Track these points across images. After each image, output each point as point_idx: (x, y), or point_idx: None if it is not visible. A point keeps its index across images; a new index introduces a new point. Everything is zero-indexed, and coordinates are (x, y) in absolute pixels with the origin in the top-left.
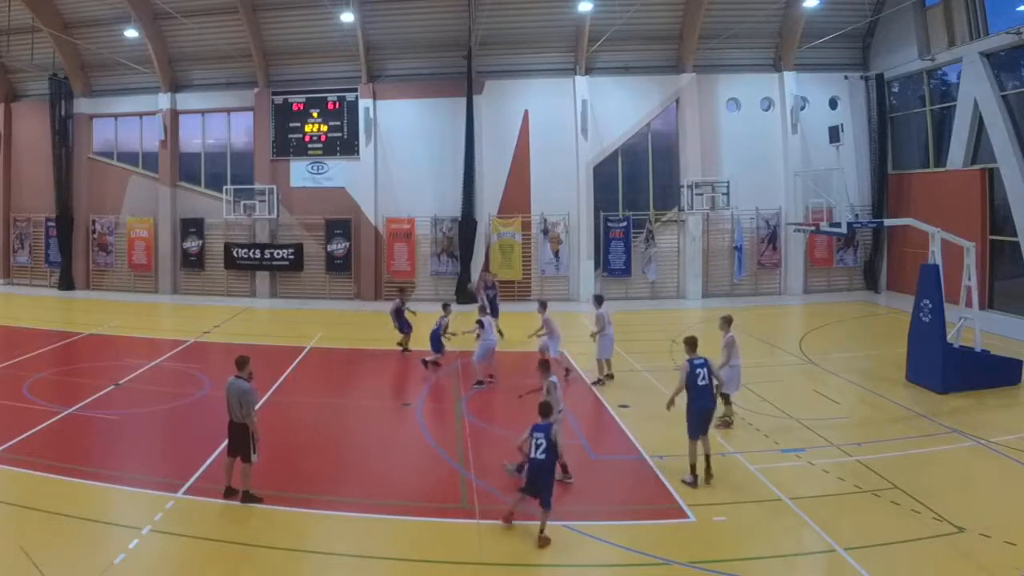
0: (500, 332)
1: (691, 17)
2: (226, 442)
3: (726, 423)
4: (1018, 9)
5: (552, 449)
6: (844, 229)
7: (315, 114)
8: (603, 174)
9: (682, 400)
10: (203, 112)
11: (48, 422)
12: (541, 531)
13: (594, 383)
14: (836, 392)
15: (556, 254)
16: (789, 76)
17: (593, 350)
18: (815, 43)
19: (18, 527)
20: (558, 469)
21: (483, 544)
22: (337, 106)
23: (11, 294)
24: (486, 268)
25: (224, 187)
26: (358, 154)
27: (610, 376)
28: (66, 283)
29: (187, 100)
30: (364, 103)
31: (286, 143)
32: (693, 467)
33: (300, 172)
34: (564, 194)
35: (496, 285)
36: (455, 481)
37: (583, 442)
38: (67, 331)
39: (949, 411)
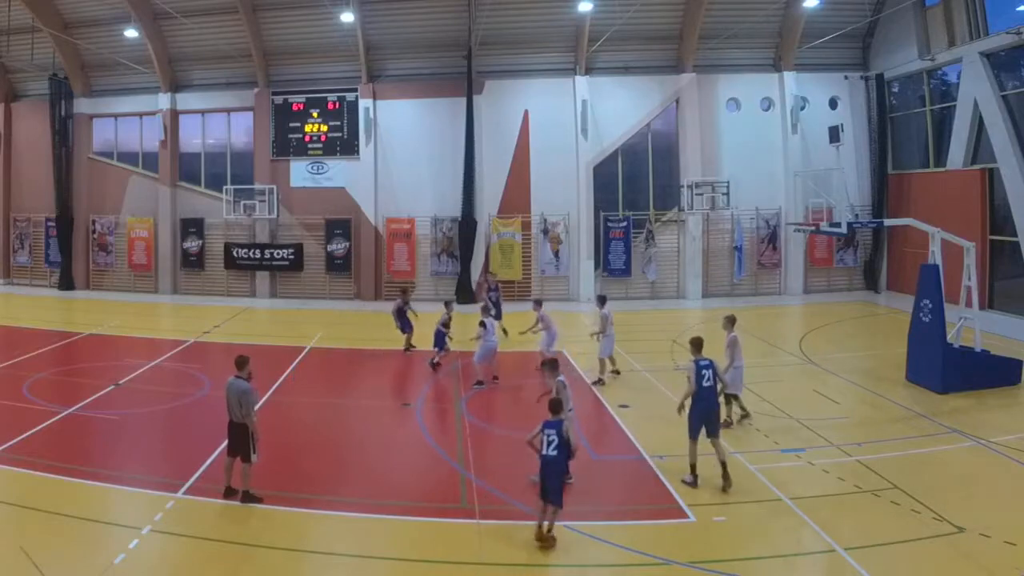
0: (504, 331)
1: (691, 17)
2: (226, 442)
3: (726, 423)
4: (1018, 9)
5: (565, 446)
6: (844, 229)
7: (315, 114)
8: (603, 174)
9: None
10: (203, 112)
11: (48, 422)
12: (548, 530)
13: (594, 383)
14: (836, 392)
15: (556, 254)
16: (789, 76)
17: (593, 350)
18: (815, 43)
19: (18, 527)
20: None
21: (483, 544)
22: (337, 106)
23: (11, 294)
24: (487, 269)
25: (224, 187)
26: (358, 154)
27: (616, 372)
28: (66, 283)
29: (187, 100)
30: (364, 103)
31: (286, 143)
32: (693, 467)
33: (300, 172)
34: (564, 194)
35: (499, 287)
36: (455, 481)
37: (583, 442)
38: (67, 331)
39: (949, 411)
